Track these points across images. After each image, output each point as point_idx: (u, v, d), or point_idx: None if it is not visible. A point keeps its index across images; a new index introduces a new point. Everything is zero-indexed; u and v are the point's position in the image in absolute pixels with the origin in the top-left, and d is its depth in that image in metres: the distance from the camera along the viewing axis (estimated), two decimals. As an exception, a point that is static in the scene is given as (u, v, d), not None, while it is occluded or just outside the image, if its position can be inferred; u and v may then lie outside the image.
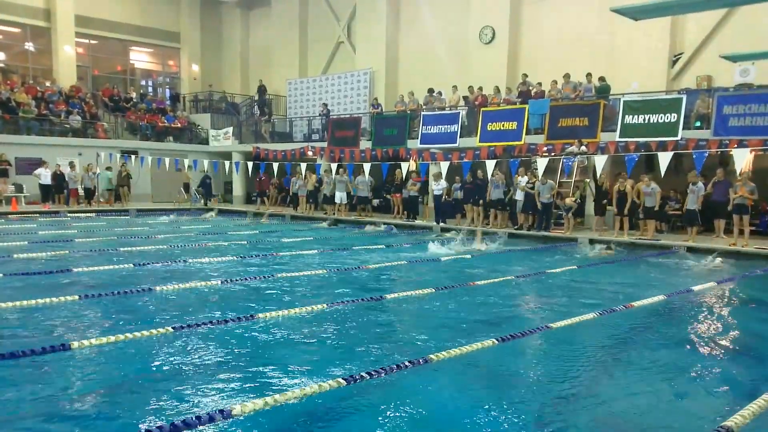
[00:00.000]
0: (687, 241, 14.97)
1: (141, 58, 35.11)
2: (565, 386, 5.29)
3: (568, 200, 16.86)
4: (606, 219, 17.26)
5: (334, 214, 22.36)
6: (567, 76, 19.57)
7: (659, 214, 16.11)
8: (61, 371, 5.32)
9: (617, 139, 17.36)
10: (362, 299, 8.34)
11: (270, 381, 5.12)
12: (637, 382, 5.47)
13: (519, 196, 17.63)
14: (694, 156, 14.68)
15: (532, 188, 17.24)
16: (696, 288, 9.92)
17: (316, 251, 13.83)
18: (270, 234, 17.39)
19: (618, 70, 19.72)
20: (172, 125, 30.59)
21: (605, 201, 16.67)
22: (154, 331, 6.30)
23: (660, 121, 16.69)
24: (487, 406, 4.83)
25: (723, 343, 6.86)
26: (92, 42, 32.24)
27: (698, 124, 16.85)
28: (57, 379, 5.14)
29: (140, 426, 4.09)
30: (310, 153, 25.34)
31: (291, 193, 24.68)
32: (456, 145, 20.78)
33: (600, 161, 15.93)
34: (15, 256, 11.64)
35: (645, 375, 5.65)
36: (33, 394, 4.77)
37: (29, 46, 30.21)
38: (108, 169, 25.38)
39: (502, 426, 4.47)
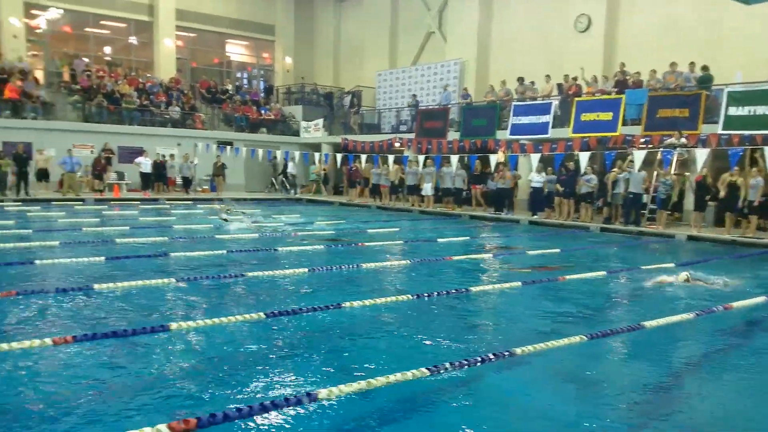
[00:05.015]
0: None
1: (237, 51, 36.21)
2: (653, 389, 5.07)
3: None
4: (706, 215, 16.50)
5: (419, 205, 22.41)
6: (674, 65, 18.70)
7: (761, 210, 15.21)
8: (160, 351, 5.56)
9: (720, 131, 16.47)
10: (447, 291, 8.28)
11: (355, 368, 5.17)
12: (734, 390, 5.17)
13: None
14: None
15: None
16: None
17: (401, 241, 13.89)
18: (356, 224, 17.57)
19: (722, 59, 18.59)
20: (266, 117, 31.40)
21: (708, 196, 15.88)
22: (247, 316, 6.48)
23: (767, 113, 15.69)
24: (569, 405, 4.70)
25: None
26: (191, 35, 33.52)
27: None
28: (156, 358, 5.37)
29: (232, 404, 4.22)
30: (397, 144, 25.41)
31: (372, 184, 24.85)
32: (548, 135, 20.31)
33: (701, 154, 15.18)
34: (117, 240, 12.27)
35: (743, 383, 5.34)
36: (133, 372, 5.01)
37: (133, 39, 31.75)
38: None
39: (584, 426, 4.35)
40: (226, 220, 16.45)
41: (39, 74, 27.86)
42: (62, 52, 29.59)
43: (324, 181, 29.08)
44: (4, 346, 5.18)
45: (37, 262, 9.31)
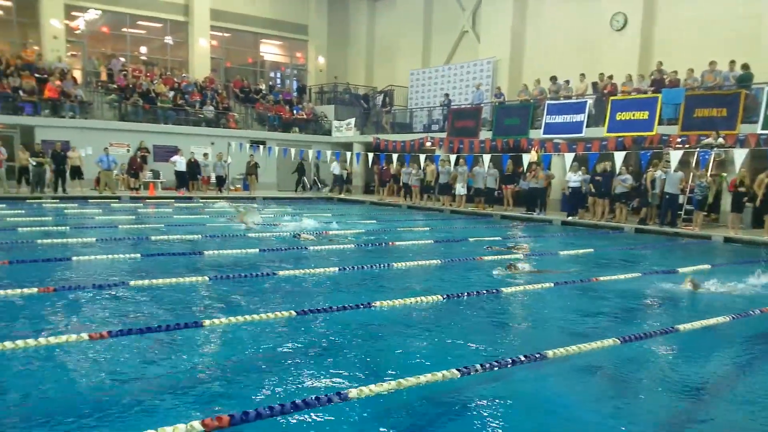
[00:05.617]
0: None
1: (270, 51, 36.41)
2: (687, 395, 4.98)
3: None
4: (744, 216, 16.15)
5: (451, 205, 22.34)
6: (713, 64, 18.33)
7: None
8: (192, 348, 5.63)
9: (759, 131, 16.09)
10: (477, 291, 8.24)
11: (385, 368, 5.18)
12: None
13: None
14: None
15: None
16: None
17: (431, 241, 13.85)
18: (387, 224, 17.57)
19: (763, 56, 18.17)
20: (298, 116, 31.58)
21: (745, 198, 15.54)
22: (278, 314, 6.53)
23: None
24: (600, 409, 4.65)
25: None
26: (225, 35, 33.79)
27: None
28: (189, 354, 5.44)
29: (264, 402, 4.25)
30: (428, 144, 25.36)
31: (402, 184, 24.86)
32: (582, 135, 20.07)
33: (739, 155, 14.85)
34: (153, 238, 12.46)
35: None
36: (167, 368, 5.09)
37: (168, 39, 32.17)
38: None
39: (615, 430, 4.30)
40: (244, 221, 16.40)
41: (77, 74, 28.43)
42: (100, 52, 30.15)
43: (344, 181, 29.06)
44: (42, 340, 5.31)
45: (75, 258, 9.50)
